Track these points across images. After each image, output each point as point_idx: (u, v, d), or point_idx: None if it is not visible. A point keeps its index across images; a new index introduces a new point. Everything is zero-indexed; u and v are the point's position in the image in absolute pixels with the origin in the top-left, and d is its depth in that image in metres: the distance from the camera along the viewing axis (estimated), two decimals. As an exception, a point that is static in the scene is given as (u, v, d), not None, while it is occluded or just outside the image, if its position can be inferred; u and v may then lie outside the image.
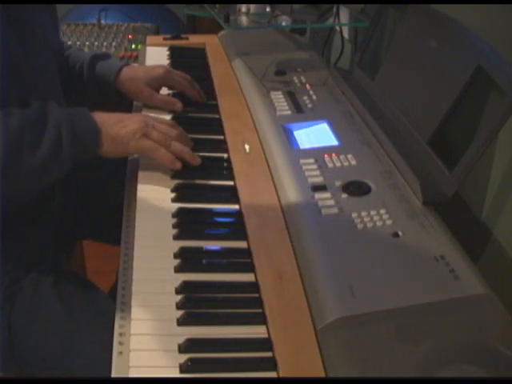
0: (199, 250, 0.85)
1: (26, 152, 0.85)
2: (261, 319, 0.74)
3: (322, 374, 0.66)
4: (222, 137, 1.13)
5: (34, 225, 1.03)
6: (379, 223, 0.85)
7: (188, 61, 1.49)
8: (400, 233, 0.83)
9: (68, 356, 0.93)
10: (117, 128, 0.94)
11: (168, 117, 1.18)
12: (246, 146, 1.08)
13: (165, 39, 1.60)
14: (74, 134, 0.89)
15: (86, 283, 1.06)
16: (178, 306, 0.74)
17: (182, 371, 0.66)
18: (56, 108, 0.92)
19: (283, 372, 0.66)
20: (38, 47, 0.99)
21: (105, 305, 0.95)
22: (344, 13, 1.50)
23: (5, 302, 0.96)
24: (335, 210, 0.88)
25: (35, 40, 0.98)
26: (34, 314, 0.96)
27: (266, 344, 0.70)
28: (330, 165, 0.99)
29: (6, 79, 0.90)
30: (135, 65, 1.39)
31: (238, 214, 0.92)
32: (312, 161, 1.00)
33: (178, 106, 1.19)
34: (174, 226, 0.88)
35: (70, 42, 1.82)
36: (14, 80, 0.92)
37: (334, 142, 1.06)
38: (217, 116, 1.20)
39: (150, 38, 1.63)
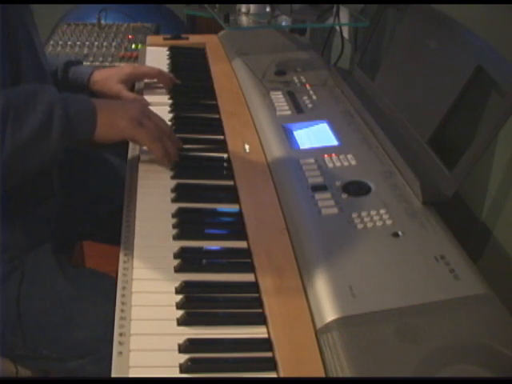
0: (199, 250, 0.85)
1: (10, 127, 0.83)
2: (261, 319, 0.74)
3: (321, 374, 0.66)
4: (222, 137, 1.13)
5: (34, 215, 1.03)
6: (379, 223, 0.85)
7: (188, 61, 1.49)
8: (400, 233, 0.83)
9: (70, 328, 0.95)
10: (113, 113, 0.94)
11: (168, 116, 1.18)
12: (246, 146, 1.08)
13: (165, 39, 1.60)
14: (66, 113, 0.88)
15: (86, 268, 1.08)
16: (178, 306, 0.74)
17: (181, 371, 0.66)
18: (51, 88, 0.91)
19: (283, 372, 0.67)
20: (24, 48, 0.99)
21: (106, 281, 0.97)
22: (344, 13, 1.50)
23: (7, 277, 0.98)
24: (335, 210, 0.88)
25: (19, 40, 0.98)
26: (37, 287, 0.98)
27: (265, 344, 0.71)
28: (330, 165, 0.99)
29: None
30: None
31: (238, 214, 0.92)
32: (312, 161, 1.00)
33: (143, 101, 1.23)
34: (174, 226, 0.88)
35: (69, 42, 1.82)
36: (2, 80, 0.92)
37: (334, 142, 1.06)
38: (217, 116, 1.21)
39: (150, 38, 1.64)
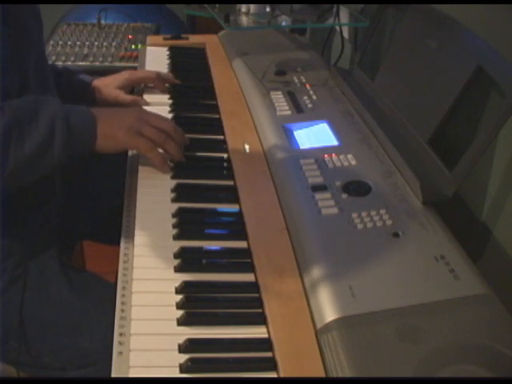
0: (199, 249, 0.85)
1: (14, 143, 0.84)
2: (261, 319, 0.74)
3: (322, 374, 0.66)
4: (222, 137, 1.13)
5: (35, 216, 1.03)
6: (379, 223, 0.85)
7: (188, 61, 1.49)
8: (400, 233, 0.83)
9: (74, 337, 0.95)
10: (111, 123, 0.94)
11: (168, 116, 1.18)
12: (246, 146, 1.08)
13: (165, 39, 1.60)
14: (68, 127, 0.88)
15: (89, 272, 1.08)
16: (178, 306, 0.74)
17: (182, 371, 0.66)
18: (54, 101, 0.91)
19: (283, 372, 0.66)
20: (32, 48, 0.99)
21: (108, 287, 0.97)
22: (344, 13, 1.50)
23: (11, 283, 0.97)
24: (335, 210, 0.88)
25: (28, 40, 0.98)
26: (41, 295, 0.98)
27: (265, 344, 0.71)
28: (330, 165, 0.98)
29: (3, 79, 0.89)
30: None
31: (238, 214, 0.92)
32: (312, 161, 1.00)
33: (142, 102, 1.24)
34: (174, 226, 0.88)
35: (69, 42, 1.82)
36: (9, 80, 0.92)
37: (334, 142, 1.06)
38: (217, 116, 1.21)
39: (150, 38, 1.64)
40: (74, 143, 0.90)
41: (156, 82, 1.29)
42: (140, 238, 0.86)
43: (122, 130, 0.94)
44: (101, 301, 0.96)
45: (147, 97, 1.26)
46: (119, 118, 0.96)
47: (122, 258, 0.83)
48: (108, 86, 1.25)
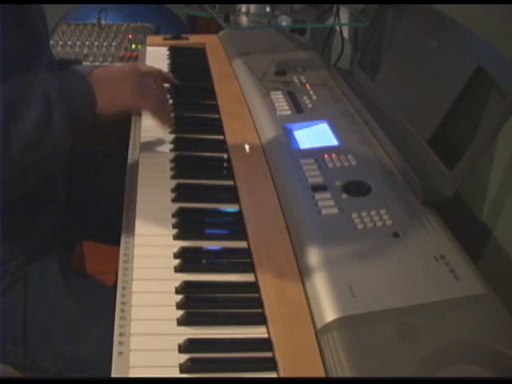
0: (199, 249, 0.85)
1: (14, 123, 0.81)
2: (261, 319, 0.74)
3: (322, 374, 0.66)
4: (221, 137, 1.13)
5: (36, 217, 1.03)
6: (379, 223, 0.85)
7: (188, 61, 1.49)
8: (400, 233, 0.83)
9: (72, 341, 0.95)
10: (112, 83, 0.94)
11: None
12: (246, 146, 1.08)
13: (165, 39, 1.60)
14: (62, 95, 0.86)
15: (89, 276, 1.08)
16: (178, 306, 0.75)
17: (182, 371, 0.66)
18: (44, 74, 0.89)
19: (283, 372, 0.67)
20: (43, 49, 0.99)
21: (107, 293, 0.97)
22: (344, 13, 1.50)
23: (11, 287, 0.97)
24: (335, 210, 0.88)
25: (39, 42, 0.98)
26: (40, 299, 0.97)
27: (265, 344, 0.71)
28: (330, 165, 0.99)
29: (7, 75, 0.89)
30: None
31: (238, 214, 0.92)
32: (312, 161, 1.00)
33: None
34: (174, 226, 0.88)
35: (69, 42, 1.82)
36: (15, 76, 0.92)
37: (334, 142, 1.06)
38: (217, 116, 1.21)
39: (150, 38, 1.64)
40: (73, 111, 0.87)
41: (158, 79, 1.29)
42: (140, 238, 0.86)
43: (125, 90, 0.95)
44: (99, 306, 0.96)
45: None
46: (120, 82, 0.96)
47: (121, 257, 0.83)
48: None
